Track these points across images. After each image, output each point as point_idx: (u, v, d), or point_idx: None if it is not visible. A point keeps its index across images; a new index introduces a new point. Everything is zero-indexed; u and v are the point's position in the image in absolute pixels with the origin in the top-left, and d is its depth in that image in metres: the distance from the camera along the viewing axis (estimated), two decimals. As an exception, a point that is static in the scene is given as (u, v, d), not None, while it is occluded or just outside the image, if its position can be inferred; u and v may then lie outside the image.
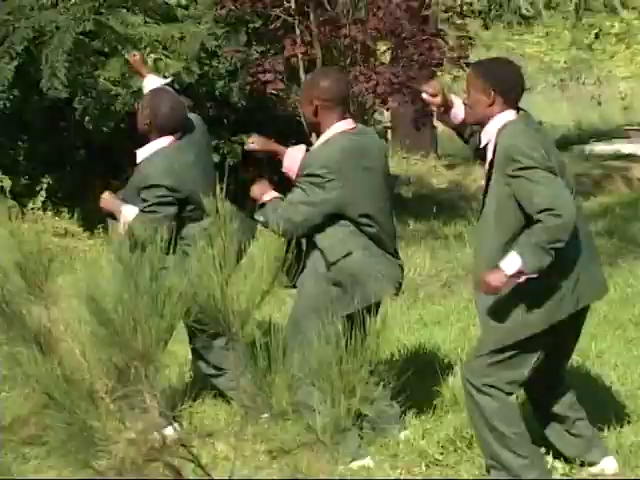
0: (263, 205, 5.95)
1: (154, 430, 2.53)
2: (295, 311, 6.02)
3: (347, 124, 5.93)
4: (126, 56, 7.96)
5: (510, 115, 5.31)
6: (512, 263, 5.08)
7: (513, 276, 5.12)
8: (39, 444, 2.62)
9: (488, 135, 5.31)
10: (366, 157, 5.93)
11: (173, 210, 6.32)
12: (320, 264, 5.84)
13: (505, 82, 5.38)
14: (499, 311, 5.29)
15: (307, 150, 6.05)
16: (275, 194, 5.96)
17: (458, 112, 5.69)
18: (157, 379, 2.48)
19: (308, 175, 5.78)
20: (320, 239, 5.80)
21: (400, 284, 6.09)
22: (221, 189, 6.72)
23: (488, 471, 5.46)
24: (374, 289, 5.79)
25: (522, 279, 5.12)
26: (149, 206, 6.28)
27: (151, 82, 6.93)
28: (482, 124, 5.37)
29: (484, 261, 5.33)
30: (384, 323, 2.56)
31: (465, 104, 5.53)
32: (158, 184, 6.30)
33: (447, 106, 5.66)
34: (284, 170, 6.12)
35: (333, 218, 5.79)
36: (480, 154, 5.52)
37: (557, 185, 5.13)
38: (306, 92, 6.04)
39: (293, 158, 6.07)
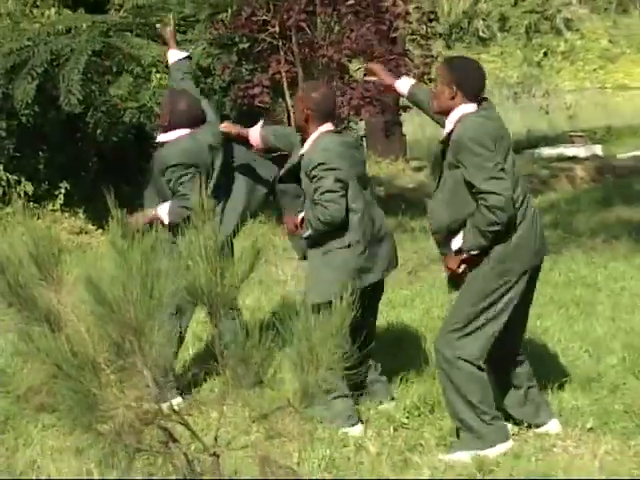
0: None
1: (149, 397, 2.54)
2: None
3: (329, 127, 5.97)
4: (158, 28, 7.58)
5: (469, 108, 5.32)
6: (455, 243, 5.27)
7: (458, 253, 5.21)
8: (50, 410, 2.64)
9: (449, 124, 5.33)
10: (351, 148, 5.99)
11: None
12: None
13: (467, 78, 5.40)
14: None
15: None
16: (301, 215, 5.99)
17: (401, 87, 5.97)
18: (150, 352, 2.50)
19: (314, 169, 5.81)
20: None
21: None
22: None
23: (457, 433, 5.46)
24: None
25: (465, 255, 5.23)
26: (176, 185, 6.29)
27: (173, 55, 6.93)
28: (446, 114, 5.38)
29: (435, 230, 5.41)
30: (347, 303, 2.58)
31: (433, 93, 5.59)
32: (176, 163, 6.30)
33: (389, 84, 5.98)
34: (252, 144, 6.39)
35: None
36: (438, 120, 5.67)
37: (494, 173, 5.14)
38: (299, 101, 6.06)
39: (254, 134, 6.35)
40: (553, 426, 5.61)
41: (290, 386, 2.59)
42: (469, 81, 5.40)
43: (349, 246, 5.77)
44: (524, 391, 5.63)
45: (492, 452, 5.29)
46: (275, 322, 2.65)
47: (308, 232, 5.81)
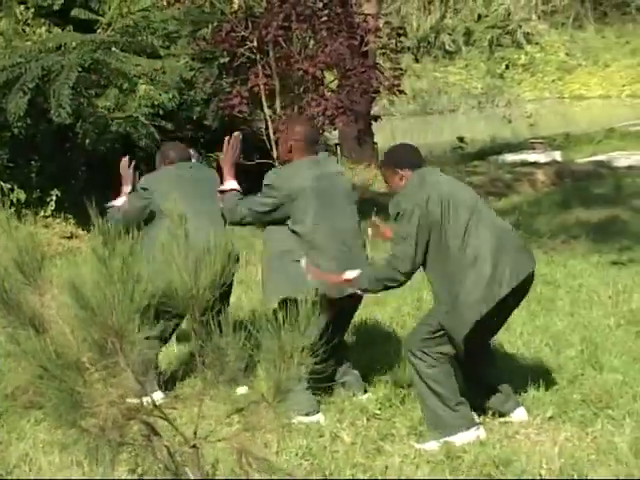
0: None
1: (131, 394, 2.51)
2: None
3: (312, 158, 5.98)
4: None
5: (408, 177, 5.51)
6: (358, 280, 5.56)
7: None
8: (36, 408, 2.61)
9: None
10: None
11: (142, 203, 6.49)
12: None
13: (401, 159, 5.59)
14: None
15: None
16: None
17: None
18: (132, 352, 2.48)
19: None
20: None
21: None
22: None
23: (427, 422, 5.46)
24: None
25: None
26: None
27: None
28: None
29: None
30: (314, 304, 2.57)
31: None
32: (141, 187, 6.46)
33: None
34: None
35: None
36: None
37: (405, 240, 5.32)
38: (285, 134, 6.08)
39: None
40: (521, 415, 5.61)
41: (264, 382, 2.58)
42: (404, 159, 5.63)
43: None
44: (493, 381, 5.63)
45: (460, 438, 5.29)
46: (247, 323, 2.63)
47: None
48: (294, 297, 5.55)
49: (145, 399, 2.78)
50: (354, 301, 6.00)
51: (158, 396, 6.09)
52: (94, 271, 2.45)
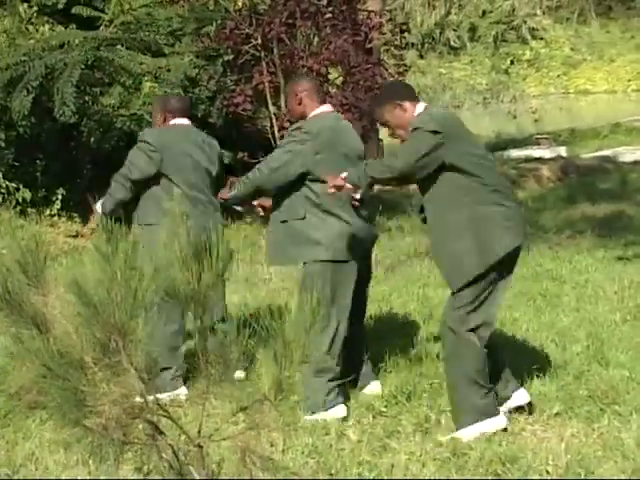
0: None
1: (135, 393, 2.51)
2: None
3: (328, 107, 5.98)
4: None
5: (420, 108, 5.38)
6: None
7: None
8: (41, 408, 2.61)
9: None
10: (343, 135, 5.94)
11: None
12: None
13: (402, 91, 5.47)
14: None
15: None
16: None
17: None
18: (135, 350, 2.47)
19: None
20: None
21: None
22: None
23: (455, 411, 5.41)
24: None
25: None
26: None
27: None
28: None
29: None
30: (318, 300, 2.56)
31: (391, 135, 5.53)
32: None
33: None
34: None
35: None
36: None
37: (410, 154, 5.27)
38: (290, 90, 6.03)
39: None
40: (522, 396, 5.57)
41: (267, 380, 2.57)
42: (405, 91, 5.48)
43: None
44: (497, 364, 5.58)
45: (489, 425, 5.29)
46: (251, 320, 2.63)
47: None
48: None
49: (157, 397, 2.77)
50: (367, 266, 6.05)
51: (183, 392, 6.13)
52: (97, 269, 2.45)
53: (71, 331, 2.50)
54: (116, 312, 2.40)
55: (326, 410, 5.71)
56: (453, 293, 5.33)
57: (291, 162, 5.75)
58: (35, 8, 12.61)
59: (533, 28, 42.54)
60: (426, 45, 40.98)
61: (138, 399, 2.68)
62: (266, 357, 2.54)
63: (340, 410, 5.75)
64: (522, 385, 5.81)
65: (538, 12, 42.96)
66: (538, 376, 6.11)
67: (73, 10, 12.57)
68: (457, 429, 5.34)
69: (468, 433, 5.27)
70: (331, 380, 5.74)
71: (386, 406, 5.88)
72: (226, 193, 6.09)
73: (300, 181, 5.75)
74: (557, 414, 5.58)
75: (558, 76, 41.09)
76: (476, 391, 5.30)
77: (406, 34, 15.01)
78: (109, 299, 2.39)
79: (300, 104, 5.90)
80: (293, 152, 5.76)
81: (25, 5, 12.58)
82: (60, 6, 12.79)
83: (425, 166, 5.17)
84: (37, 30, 12.46)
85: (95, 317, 2.40)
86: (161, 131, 6.54)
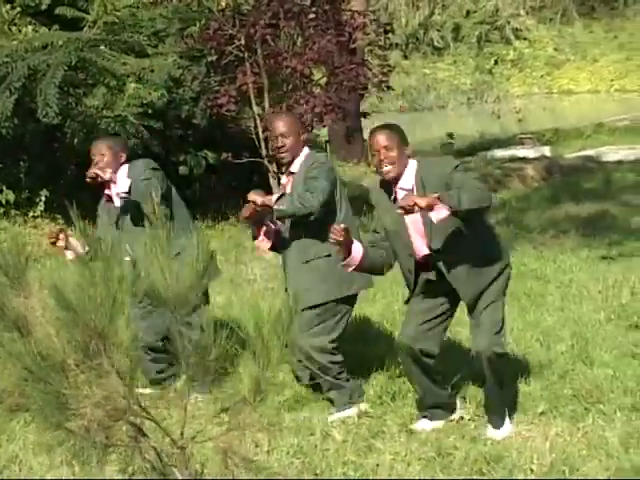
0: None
1: (117, 395, 2.50)
2: None
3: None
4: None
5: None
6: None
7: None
8: (23, 410, 2.59)
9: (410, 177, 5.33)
10: None
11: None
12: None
13: (403, 135, 5.46)
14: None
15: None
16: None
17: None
18: (116, 353, 2.46)
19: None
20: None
21: None
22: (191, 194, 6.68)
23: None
24: None
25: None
26: None
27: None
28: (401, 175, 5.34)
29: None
30: (296, 301, 2.56)
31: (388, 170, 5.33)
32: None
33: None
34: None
35: None
36: None
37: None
38: (293, 125, 5.95)
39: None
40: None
41: (246, 381, 2.56)
42: (404, 136, 5.46)
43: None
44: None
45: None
46: (231, 321, 2.62)
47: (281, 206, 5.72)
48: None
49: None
50: None
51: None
52: (76, 272, 2.43)
53: (52, 334, 2.49)
54: (95, 315, 2.38)
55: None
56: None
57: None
58: (18, 9, 12.55)
59: (516, 28, 42.60)
60: (410, 45, 41.00)
61: (122, 401, 2.67)
62: (245, 358, 2.53)
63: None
64: (507, 385, 5.83)
65: (522, 12, 43.02)
66: (523, 375, 6.12)
67: (56, 11, 12.52)
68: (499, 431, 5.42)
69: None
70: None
71: (371, 406, 5.89)
72: (273, 201, 5.87)
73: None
74: (542, 413, 5.60)
75: (542, 76, 41.16)
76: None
77: (390, 34, 14.99)
78: (88, 302, 2.38)
79: (303, 143, 5.95)
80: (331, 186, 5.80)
81: (8, 6, 12.52)
82: (43, 7, 12.74)
83: None
84: (20, 31, 12.40)
85: (75, 320, 2.38)
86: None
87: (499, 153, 19.29)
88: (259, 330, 2.43)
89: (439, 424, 5.54)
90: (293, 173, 5.93)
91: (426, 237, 5.31)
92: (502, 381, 5.41)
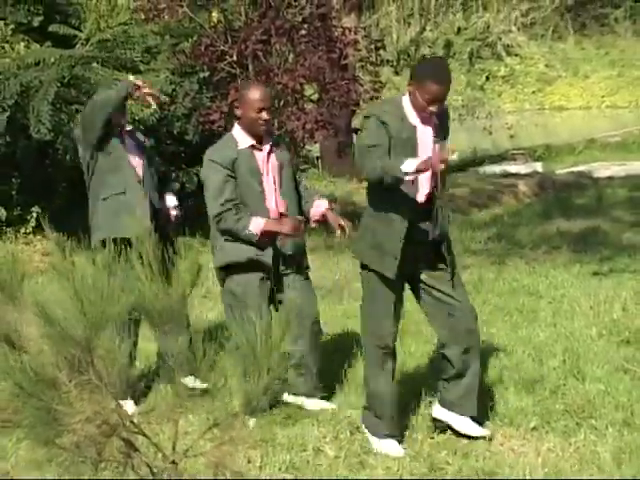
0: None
1: (107, 410, 2.50)
2: None
3: None
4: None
5: None
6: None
7: None
8: (14, 427, 2.59)
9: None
10: None
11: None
12: None
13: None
14: None
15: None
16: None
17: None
18: (103, 366, 2.46)
19: None
20: None
21: None
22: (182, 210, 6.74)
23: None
24: None
25: None
26: None
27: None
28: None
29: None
30: (288, 314, 2.56)
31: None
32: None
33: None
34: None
35: None
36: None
37: None
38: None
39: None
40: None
41: (235, 396, 2.56)
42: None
43: None
44: None
45: None
46: (219, 335, 2.63)
47: None
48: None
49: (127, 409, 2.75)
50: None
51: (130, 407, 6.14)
52: (58, 287, 2.44)
53: (44, 349, 2.49)
54: (80, 329, 2.39)
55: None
56: None
57: None
58: (11, 26, 12.58)
59: (508, 45, 42.74)
60: (401, 62, 41.07)
61: (113, 416, 2.67)
62: (235, 373, 2.54)
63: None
64: (498, 400, 5.84)
65: (513, 29, 43.16)
66: (515, 391, 6.13)
67: (49, 28, 12.55)
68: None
69: None
70: None
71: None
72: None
73: None
74: (534, 428, 5.60)
75: (533, 92, 41.30)
76: None
77: (381, 51, 15.04)
78: (71, 315, 2.38)
79: None
80: None
81: (1, 23, 12.55)
82: (36, 24, 12.77)
83: None
84: (13, 48, 12.43)
85: (60, 334, 2.39)
86: None
87: (491, 169, 19.35)
88: (250, 344, 2.44)
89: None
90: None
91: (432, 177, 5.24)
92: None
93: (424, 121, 5.27)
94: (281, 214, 5.95)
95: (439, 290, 5.41)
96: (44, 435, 2.43)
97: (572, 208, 14.45)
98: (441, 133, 5.35)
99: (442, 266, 5.40)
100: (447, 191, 5.46)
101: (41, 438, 2.44)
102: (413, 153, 5.16)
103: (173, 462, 2.70)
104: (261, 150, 6.00)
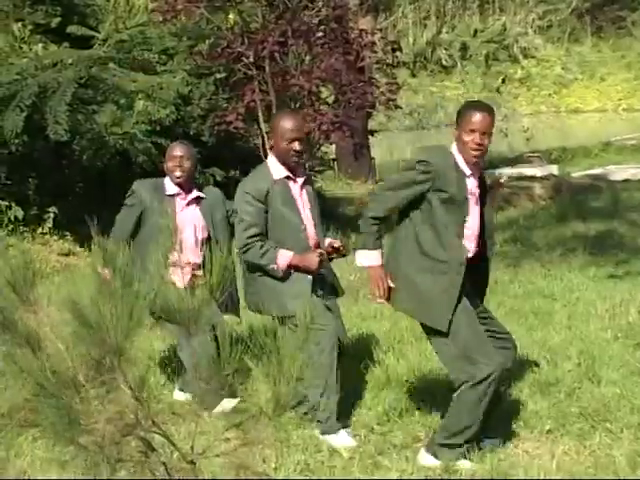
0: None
1: (128, 410, 2.52)
2: None
3: None
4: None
5: None
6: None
7: None
8: (32, 426, 2.61)
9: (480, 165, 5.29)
10: None
11: None
12: None
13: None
14: None
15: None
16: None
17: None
18: (130, 368, 2.48)
19: None
20: None
21: None
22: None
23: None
24: None
25: None
26: None
27: None
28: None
29: None
30: (312, 317, 2.57)
31: (481, 148, 5.20)
32: None
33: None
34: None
35: None
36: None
37: None
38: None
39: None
40: None
41: (263, 396, 2.57)
42: None
43: None
44: None
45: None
46: (245, 337, 2.64)
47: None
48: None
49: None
50: None
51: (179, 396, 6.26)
52: (93, 287, 2.46)
53: (63, 349, 2.51)
54: (111, 331, 2.41)
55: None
56: None
57: None
58: (29, 27, 12.64)
59: (524, 47, 42.72)
60: (418, 64, 41.10)
61: (129, 416, 2.69)
62: (262, 373, 2.55)
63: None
64: (514, 403, 5.84)
65: (529, 31, 43.14)
66: (530, 393, 6.13)
67: (67, 29, 12.61)
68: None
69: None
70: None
71: (378, 423, 5.89)
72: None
73: None
74: (549, 431, 5.60)
75: (549, 95, 41.25)
76: None
77: (398, 53, 15.05)
78: (104, 317, 2.40)
79: None
80: None
81: (19, 24, 12.61)
82: (54, 25, 12.83)
83: None
84: (31, 49, 12.48)
85: (90, 335, 2.41)
86: None
87: (507, 171, 19.32)
88: (276, 347, 2.45)
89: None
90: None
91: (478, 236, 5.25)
92: None
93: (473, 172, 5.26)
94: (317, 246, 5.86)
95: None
96: (65, 434, 2.45)
97: (588, 211, 14.42)
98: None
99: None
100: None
101: (62, 437, 2.46)
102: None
103: (191, 462, 2.72)
104: (296, 182, 5.84)
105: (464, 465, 5.16)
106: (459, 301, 5.09)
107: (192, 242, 6.25)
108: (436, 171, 5.09)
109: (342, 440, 5.58)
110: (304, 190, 5.88)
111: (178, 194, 6.36)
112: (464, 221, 5.14)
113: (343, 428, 5.70)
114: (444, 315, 5.08)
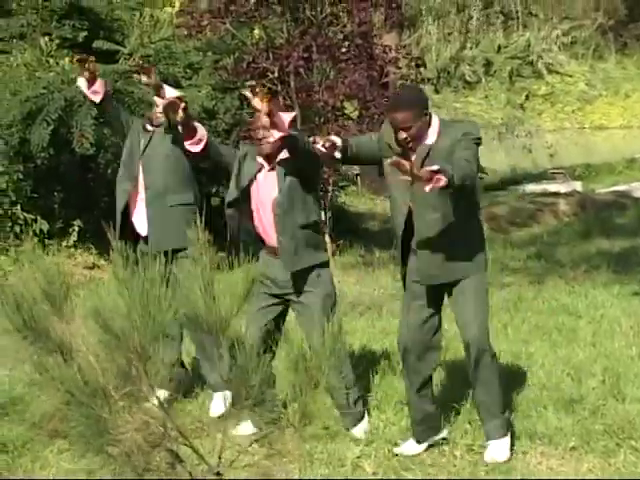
0: None
1: (155, 420, 2.54)
2: None
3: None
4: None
5: (436, 121, 5.37)
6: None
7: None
8: (62, 436, 2.63)
9: (432, 136, 5.30)
10: None
11: None
12: None
13: (425, 100, 5.42)
14: None
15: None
16: None
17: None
18: (156, 375, 2.50)
19: None
20: None
21: None
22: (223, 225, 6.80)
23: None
24: None
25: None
26: None
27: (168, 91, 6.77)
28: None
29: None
30: (340, 327, 2.59)
31: (406, 142, 5.25)
32: None
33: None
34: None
35: None
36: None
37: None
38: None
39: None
40: None
41: (289, 407, 2.59)
42: (426, 100, 5.43)
43: None
44: None
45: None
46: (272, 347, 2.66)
47: None
48: None
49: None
50: None
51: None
52: (116, 295, 2.49)
53: (93, 359, 2.54)
54: (136, 337, 2.43)
55: None
56: None
57: None
58: (56, 41, 12.73)
59: (549, 63, 42.66)
60: (441, 80, 41.09)
61: (159, 427, 2.70)
62: (289, 383, 2.56)
63: None
64: (538, 419, 5.82)
65: (554, 48, 43.09)
66: (554, 410, 6.11)
67: (94, 44, 12.69)
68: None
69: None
70: None
71: (402, 438, 5.88)
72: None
73: None
74: (573, 448, 5.58)
75: (573, 111, 41.14)
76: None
77: (422, 69, 15.06)
78: (128, 325, 2.43)
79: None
80: None
81: (46, 38, 12.71)
82: (80, 40, 12.92)
83: None
84: (57, 63, 12.57)
85: (116, 343, 2.43)
86: None
87: (530, 187, 19.31)
88: (303, 357, 2.46)
89: (423, 447, 5.67)
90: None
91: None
92: (496, 387, 5.54)
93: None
94: None
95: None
96: (94, 444, 2.47)
97: (612, 228, 14.38)
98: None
99: None
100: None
101: (91, 447, 2.49)
102: None
103: (218, 473, 2.74)
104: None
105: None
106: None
107: None
108: None
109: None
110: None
111: None
112: None
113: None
114: None
